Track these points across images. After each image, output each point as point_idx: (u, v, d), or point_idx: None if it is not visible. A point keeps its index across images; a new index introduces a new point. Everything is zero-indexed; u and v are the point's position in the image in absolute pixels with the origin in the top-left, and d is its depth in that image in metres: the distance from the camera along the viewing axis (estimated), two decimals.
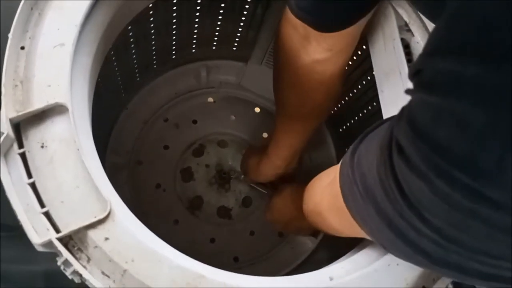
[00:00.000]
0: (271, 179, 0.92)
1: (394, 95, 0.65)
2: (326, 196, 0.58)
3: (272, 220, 0.95)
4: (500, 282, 0.34)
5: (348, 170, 0.46)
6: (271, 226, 0.98)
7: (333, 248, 0.94)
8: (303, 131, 0.79)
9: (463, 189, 0.28)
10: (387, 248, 0.45)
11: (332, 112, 1.03)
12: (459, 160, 0.27)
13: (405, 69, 0.62)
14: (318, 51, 0.62)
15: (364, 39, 0.73)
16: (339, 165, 0.52)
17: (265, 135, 1.09)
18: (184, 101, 1.06)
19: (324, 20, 0.57)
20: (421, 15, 0.64)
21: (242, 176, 1.03)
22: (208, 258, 0.94)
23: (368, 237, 0.49)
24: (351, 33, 0.60)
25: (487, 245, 0.31)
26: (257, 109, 1.11)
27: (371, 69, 0.72)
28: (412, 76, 0.32)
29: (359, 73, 0.86)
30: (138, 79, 0.96)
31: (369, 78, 0.83)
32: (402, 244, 0.38)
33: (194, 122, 1.06)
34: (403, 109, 0.34)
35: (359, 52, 0.82)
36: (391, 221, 0.37)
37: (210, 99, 1.08)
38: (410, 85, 0.60)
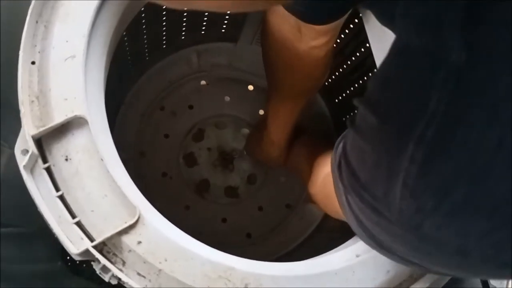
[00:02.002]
0: (277, 158, 0.94)
1: None
2: (326, 184, 0.63)
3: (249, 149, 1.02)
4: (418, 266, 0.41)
5: (334, 158, 0.50)
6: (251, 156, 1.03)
7: None
8: (299, 106, 0.82)
9: (370, 206, 0.35)
10: (356, 232, 0.49)
11: (326, 84, 1.05)
12: (364, 184, 0.35)
13: None
14: (313, 38, 0.63)
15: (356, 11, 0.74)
16: None
17: (261, 112, 1.10)
18: (178, 88, 1.07)
19: (316, 14, 0.58)
20: None
21: (245, 152, 1.06)
22: (222, 237, 0.99)
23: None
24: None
25: (394, 247, 0.39)
26: (251, 87, 1.12)
27: (365, 39, 0.73)
28: None
29: (354, 44, 0.87)
30: (132, 72, 0.97)
31: (362, 50, 0.85)
32: (361, 231, 0.44)
33: (190, 107, 1.07)
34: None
35: (351, 26, 0.83)
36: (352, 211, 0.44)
37: (203, 82, 1.09)
38: None
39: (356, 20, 0.81)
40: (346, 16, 0.63)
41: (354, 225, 0.45)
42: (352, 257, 0.53)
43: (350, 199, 0.40)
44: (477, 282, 0.69)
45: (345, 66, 0.95)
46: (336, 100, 1.05)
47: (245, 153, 1.06)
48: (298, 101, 0.80)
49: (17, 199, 0.57)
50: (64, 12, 0.53)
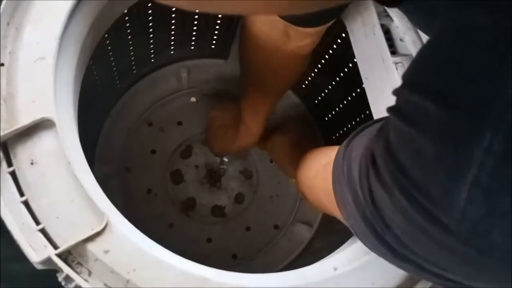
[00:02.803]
0: (253, 145, 0.94)
1: (378, 81, 0.65)
2: (320, 176, 0.61)
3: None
4: (452, 282, 0.36)
5: (340, 158, 0.49)
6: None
7: (330, 235, 0.95)
8: (278, 99, 0.84)
9: (420, 208, 0.30)
10: (358, 235, 0.47)
11: (316, 102, 1.04)
12: (416, 183, 0.30)
13: (387, 54, 0.63)
14: (300, 39, 0.64)
15: (344, 27, 0.73)
16: (337, 147, 0.55)
17: None
18: (166, 103, 1.05)
19: (311, 19, 0.58)
20: None
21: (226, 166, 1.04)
22: (206, 258, 0.94)
23: (344, 222, 0.51)
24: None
25: (435, 258, 0.34)
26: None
27: (352, 56, 0.72)
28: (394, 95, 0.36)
29: (341, 61, 0.86)
30: (118, 85, 0.95)
31: (350, 65, 0.84)
32: (371, 235, 0.41)
33: (179, 123, 1.06)
34: (385, 124, 0.37)
35: (339, 41, 0.83)
36: (364, 213, 0.40)
37: (193, 99, 1.08)
38: (393, 70, 0.62)
39: (344, 35, 0.81)
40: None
41: (360, 226, 0.42)
42: (330, 270, 0.51)
43: (386, 196, 0.34)
44: None
45: (334, 83, 0.94)
46: (326, 118, 1.04)
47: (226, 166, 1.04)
48: (278, 95, 0.82)
49: None
50: (36, 14, 0.52)
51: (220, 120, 0.97)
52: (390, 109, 0.34)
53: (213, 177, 1.03)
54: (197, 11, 0.63)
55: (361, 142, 0.45)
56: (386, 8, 0.64)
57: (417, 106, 0.30)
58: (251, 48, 0.70)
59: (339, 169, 0.48)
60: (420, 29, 0.44)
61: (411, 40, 0.63)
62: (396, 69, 0.62)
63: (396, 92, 0.34)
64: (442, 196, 0.28)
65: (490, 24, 0.26)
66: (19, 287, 0.65)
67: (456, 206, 0.27)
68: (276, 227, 1.03)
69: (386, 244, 0.39)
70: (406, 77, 0.33)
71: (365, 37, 0.67)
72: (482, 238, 0.27)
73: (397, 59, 0.62)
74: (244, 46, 0.72)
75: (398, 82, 0.61)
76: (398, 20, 0.64)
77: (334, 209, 0.53)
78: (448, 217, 0.29)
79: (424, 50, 0.32)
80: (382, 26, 0.64)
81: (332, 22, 0.65)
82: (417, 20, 0.46)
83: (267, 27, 0.64)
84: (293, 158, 0.81)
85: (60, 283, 0.65)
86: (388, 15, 0.65)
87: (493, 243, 0.27)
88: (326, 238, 0.98)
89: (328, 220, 1.01)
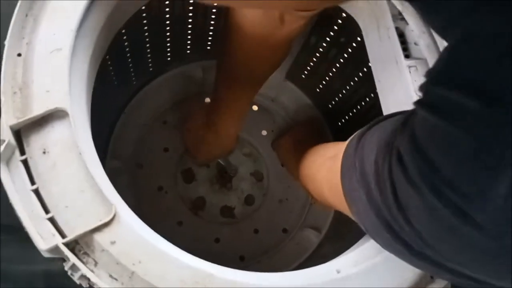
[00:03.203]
0: (222, 152, 0.96)
1: (391, 84, 0.65)
2: (325, 168, 0.60)
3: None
4: (473, 281, 0.36)
5: (352, 152, 0.48)
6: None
7: (338, 242, 0.94)
8: (256, 93, 0.84)
9: (452, 207, 0.29)
10: (368, 231, 0.46)
11: (330, 106, 1.03)
12: (448, 180, 0.29)
13: (401, 58, 0.63)
14: (294, 21, 0.63)
15: (358, 30, 0.73)
16: (345, 142, 0.55)
17: (264, 132, 1.09)
18: (181, 102, 1.06)
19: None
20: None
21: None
22: (213, 258, 0.94)
23: (351, 216, 0.50)
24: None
25: (463, 257, 0.33)
26: (255, 107, 1.11)
27: (366, 61, 0.72)
28: (421, 91, 0.34)
29: (354, 65, 0.86)
30: (134, 82, 0.96)
31: (365, 70, 0.83)
32: (385, 231, 0.40)
33: None
34: (409, 119, 0.36)
35: (354, 44, 0.82)
36: (379, 209, 0.39)
37: (208, 100, 1.08)
38: (406, 74, 0.61)
39: (359, 38, 0.80)
40: None
41: (373, 222, 0.41)
42: (333, 272, 0.50)
43: (414, 194, 0.33)
44: None
45: (348, 87, 0.94)
46: (339, 123, 1.03)
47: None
48: (257, 88, 0.82)
49: None
50: (54, 7, 0.53)
51: (194, 130, 0.98)
52: (419, 104, 0.33)
53: (224, 177, 1.03)
54: (239, 7, 0.62)
55: (375, 137, 0.44)
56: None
57: (456, 102, 0.29)
58: (240, 40, 0.69)
59: (350, 163, 0.48)
60: (434, 29, 0.43)
61: (425, 44, 0.63)
62: (410, 72, 0.62)
63: (425, 87, 0.33)
64: (477, 193, 0.28)
65: None
66: (19, 287, 0.66)
67: (494, 203, 0.27)
68: (284, 230, 1.03)
69: (402, 242, 0.38)
70: (439, 73, 0.32)
71: (380, 40, 0.67)
72: None
73: (410, 62, 0.62)
74: (232, 40, 0.71)
75: (411, 85, 0.61)
76: (413, 23, 0.64)
77: (338, 203, 0.53)
78: (483, 215, 0.28)
79: (459, 45, 0.31)
80: (397, 29, 0.64)
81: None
82: (434, 17, 0.44)
83: (260, 15, 0.63)
84: (298, 160, 0.81)
85: (60, 283, 0.66)
86: (403, 18, 0.65)
87: None
88: (333, 244, 0.98)
89: (336, 227, 1.00)
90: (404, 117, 0.38)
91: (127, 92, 0.97)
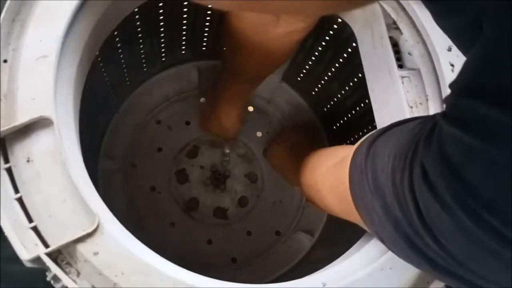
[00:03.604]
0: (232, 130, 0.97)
1: (384, 93, 0.64)
2: (330, 177, 0.58)
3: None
4: None
5: (361, 160, 0.46)
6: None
7: (331, 246, 0.94)
8: (255, 87, 0.86)
9: (490, 231, 0.28)
10: (385, 242, 0.45)
11: (325, 109, 1.03)
12: (488, 203, 0.27)
13: (394, 68, 0.62)
14: (292, 23, 0.63)
15: (353, 37, 0.72)
16: (348, 147, 0.53)
17: (259, 134, 1.08)
18: (176, 102, 1.05)
19: None
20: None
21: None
22: (205, 259, 0.96)
23: (364, 227, 0.49)
24: None
25: (500, 279, 0.32)
26: (250, 108, 1.10)
27: (361, 67, 0.71)
28: (446, 103, 0.32)
29: (350, 70, 0.85)
30: (128, 82, 0.96)
31: (360, 75, 0.83)
32: (405, 245, 0.38)
33: (187, 123, 1.06)
34: (433, 132, 0.33)
35: (349, 50, 0.82)
36: (398, 223, 0.37)
37: (203, 100, 1.08)
38: (399, 84, 0.60)
39: (354, 44, 0.80)
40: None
41: (390, 235, 0.40)
42: (319, 285, 0.50)
43: (445, 216, 0.31)
44: None
45: (343, 92, 0.93)
46: (334, 127, 1.03)
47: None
48: (257, 83, 0.83)
49: None
50: (41, 12, 0.52)
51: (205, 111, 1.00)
52: (446, 120, 0.31)
53: (218, 178, 1.03)
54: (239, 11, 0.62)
55: (388, 146, 0.42)
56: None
57: (496, 120, 0.26)
58: (237, 28, 0.68)
59: (360, 173, 0.46)
60: (448, 32, 0.41)
61: (419, 54, 0.62)
62: (403, 83, 0.61)
63: (451, 100, 0.31)
64: None
65: None
66: (19, 287, 0.66)
67: None
68: (277, 233, 1.03)
69: (426, 258, 0.36)
70: (470, 84, 0.30)
71: (373, 49, 0.66)
72: None
73: (403, 73, 0.61)
74: (229, 26, 0.70)
75: (403, 96, 0.61)
76: (407, 33, 0.63)
77: (347, 213, 0.51)
78: None
79: (493, 50, 0.28)
80: (391, 38, 0.63)
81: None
82: (447, 23, 0.41)
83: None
84: (293, 166, 0.80)
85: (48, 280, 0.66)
86: (397, 28, 0.64)
87: None
88: (326, 248, 0.98)
89: (329, 231, 1.00)
90: (426, 128, 0.36)
91: (121, 93, 0.97)
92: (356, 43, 0.72)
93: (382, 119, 0.65)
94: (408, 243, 0.38)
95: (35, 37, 0.51)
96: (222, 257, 0.98)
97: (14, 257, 0.67)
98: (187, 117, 1.06)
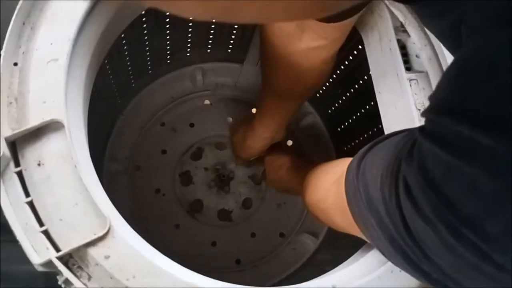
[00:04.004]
0: (258, 152, 0.94)
1: (391, 96, 0.64)
2: (331, 195, 0.58)
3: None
4: None
5: (353, 177, 0.47)
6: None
7: (335, 249, 0.94)
8: (290, 108, 0.82)
9: (470, 246, 0.28)
10: (385, 256, 0.45)
11: (329, 111, 1.03)
12: (467, 219, 0.28)
13: (402, 70, 0.62)
14: (313, 39, 0.62)
15: (360, 40, 0.72)
16: (345, 162, 0.53)
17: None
18: (180, 104, 1.06)
19: None
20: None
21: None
22: (210, 261, 0.96)
23: (368, 241, 0.49)
24: (347, 23, 0.61)
25: None
26: (254, 110, 1.10)
27: (368, 70, 0.71)
28: (424, 117, 0.33)
29: (355, 74, 0.86)
30: (133, 84, 0.96)
31: (366, 78, 0.83)
32: (401, 258, 0.39)
33: (191, 125, 1.06)
34: (414, 148, 0.34)
35: (355, 52, 0.82)
36: (393, 238, 0.38)
37: (207, 102, 1.08)
38: (407, 87, 0.60)
39: (360, 47, 0.80)
40: (351, 24, 0.62)
41: (388, 250, 0.40)
42: (329, 286, 0.50)
43: (429, 231, 0.32)
44: None
45: (348, 94, 0.93)
46: (339, 129, 1.03)
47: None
48: (290, 103, 0.81)
49: None
50: (51, 15, 0.52)
51: (240, 122, 0.98)
52: (424, 136, 0.31)
53: (222, 180, 1.03)
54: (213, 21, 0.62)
55: (376, 162, 0.43)
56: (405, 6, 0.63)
57: (471, 139, 0.27)
58: (266, 46, 0.68)
59: (354, 190, 0.46)
60: (435, 33, 0.41)
61: (427, 56, 0.62)
62: (410, 86, 0.61)
63: (429, 114, 0.31)
64: (499, 235, 0.26)
65: None
66: (19, 287, 0.66)
67: None
68: (281, 235, 1.03)
69: (420, 271, 0.37)
70: (445, 101, 0.30)
71: (381, 52, 0.66)
72: None
73: (411, 75, 0.61)
74: (260, 44, 0.71)
75: (411, 99, 0.60)
76: (415, 36, 0.63)
77: (351, 227, 0.52)
78: (505, 256, 0.27)
79: (468, 66, 0.29)
80: (399, 41, 0.63)
81: (345, 28, 0.62)
82: (433, 25, 0.42)
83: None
84: (289, 182, 0.82)
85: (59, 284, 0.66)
86: (405, 30, 0.64)
87: None
88: (330, 250, 0.98)
89: (334, 233, 1.00)
90: (408, 143, 0.36)
91: (126, 95, 0.97)
92: (363, 46, 0.72)
93: (389, 121, 0.65)
94: (404, 258, 0.38)
95: (45, 40, 0.51)
96: (227, 259, 0.98)
97: (14, 257, 0.67)
98: (191, 119, 1.06)
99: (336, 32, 0.62)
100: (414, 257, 0.36)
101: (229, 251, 0.99)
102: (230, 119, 1.08)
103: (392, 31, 0.64)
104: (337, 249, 0.93)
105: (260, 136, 0.88)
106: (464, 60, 0.29)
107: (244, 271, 0.97)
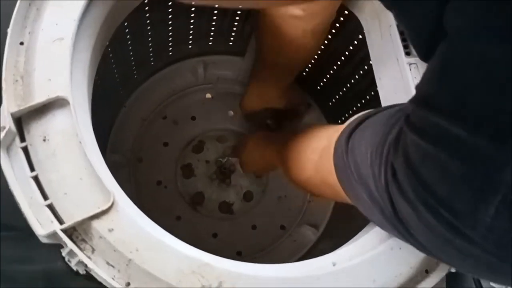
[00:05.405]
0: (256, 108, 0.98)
1: (391, 82, 0.65)
2: (319, 171, 0.61)
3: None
4: None
5: (342, 153, 0.50)
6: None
7: (335, 239, 0.94)
8: (278, 81, 0.89)
9: (444, 222, 0.32)
10: (377, 225, 0.50)
11: (330, 104, 1.04)
12: (442, 200, 0.32)
13: (402, 55, 0.63)
14: (293, 8, 0.67)
15: (360, 29, 0.73)
16: (325, 133, 0.58)
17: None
18: (182, 97, 1.06)
19: None
20: None
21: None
22: (210, 253, 0.95)
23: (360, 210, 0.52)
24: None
25: (458, 263, 0.38)
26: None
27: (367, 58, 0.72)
28: (411, 107, 0.37)
29: (355, 63, 0.87)
30: (135, 76, 0.97)
31: (366, 67, 0.84)
32: (392, 229, 0.43)
33: (193, 118, 1.06)
34: (400, 135, 0.38)
35: (356, 42, 0.83)
36: (383, 210, 0.41)
37: (208, 95, 1.09)
38: (407, 71, 0.62)
39: (360, 36, 0.81)
40: (326, 5, 0.67)
41: (379, 220, 0.45)
42: (329, 265, 0.51)
43: (410, 211, 0.36)
44: None
45: (348, 85, 0.94)
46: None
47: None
48: (277, 74, 0.87)
49: None
50: None
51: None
52: (408, 126, 0.35)
53: (223, 173, 1.04)
54: (216, 6, 0.64)
55: (364, 138, 0.46)
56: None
57: (444, 129, 0.31)
58: (262, 24, 0.73)
59: (343, 165, 0.49)
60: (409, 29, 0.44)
61: None
62: (410, 70, 0.62)
63: (412, 106, 0.35)
64: (468, 213, 0.30)
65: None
66: (19, 287, 0.66)
67: (483, 222, 0.29)
68: (282, 227, 1.03)
69: (411, 244, 0.41)
70: (426, 96, 0.34)
71: (381, 38, 0.67)
72: (505, 248, 0.30)
73: (411, 60, 0.62)
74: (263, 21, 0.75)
75: (411, 82, 0.61)
76: None
77: (342, 198, 0.55)
78: (474, 231, 0.30)
79: (445, 72, 0.32)
80: (398, 27, 0.64)
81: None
82: (411, 25, 0.45)
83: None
84: (264, 158, 0.88)
85: (60, 283, 0.67)
86: None
87: None
88: (331, 241, 0.98)
89: (334, 224, 1.00)
90: (396, 126, 0.39)
91: (128, 87, 0.98)
92: (363, 35, 0.73)
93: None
94: (393, 230, 0.42)
95: (51, 20, 0.52)
96: (228, 251, 0.99)
97: (14, 257, 0.68)
98: (193, 112, 1.06)
99: (314, 6, 0.66)
100: (401, 232, 0.41)
101: (230, 243, 1.00)
102: (232, 113, 1.09)
103: (391, 17, 0.65)
104: (337, 239, 0.93)
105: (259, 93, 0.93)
106: (443, 59, 0.33)
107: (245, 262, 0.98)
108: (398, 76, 0.63)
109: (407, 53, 0.63)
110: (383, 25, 0.66)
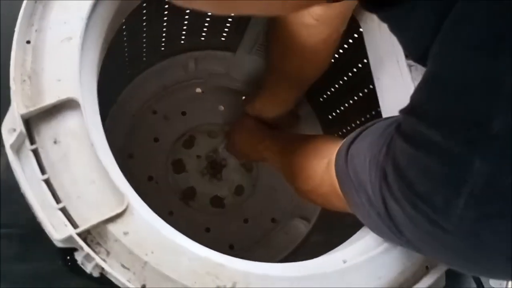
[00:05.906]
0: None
1: (390, 81, 0.66)
2: (325, 181, 0.62)
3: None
4: None
5: (343, 163, 0.54)
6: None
7: (327, 231, 0.96)
8: (287, 93, 0.89)
9: (425, 216, 0.36)
10: (374, 231, 0.53)
11: (321, 99, 1.05)
12: (422, 196, 0.36)
13: (402, 57, 0.64)
14: (305, 17, 0.68)
15: (357, 27, 0.74)
16: (329, 144, 0.61)
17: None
18: (172, 92, 1.06)
19: None
20: None
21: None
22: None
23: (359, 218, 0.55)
24: (338, 7, 0.67)
25: (442, 256, 0.42)
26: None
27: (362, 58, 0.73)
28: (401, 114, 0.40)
29: (351, 62, 0.88)
30: (128, 72, 0.95)
31: (360, 66, 0.85)
32: (387, 230, 0.46)
33: (183, 113, 1.06)
34: (391, 142, 0.42)
35: (350, 41, 0.84)
36: (379, 212, 0.45)
37: (199, 90, 1.08)
38: (407, 73, 0.63)
39: (356, 35, 0.82)
40: (342, 11, 0.68)
41: (377, 224, 0.47)
42: (340, 262, 0.52)
43: (398, 208, 0.40)
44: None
45: (341, 82, 0.95)
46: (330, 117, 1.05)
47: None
48: (286, 86, 0.87)
49: (17, 199, 0.55)
50: None
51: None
52: (398, 133, 0.40)
53: (214, 168, 1.04)
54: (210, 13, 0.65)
55: (363, 147, 0.50)
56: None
57: (425, 135, 0.35)
58: (280, 29, 0.73)
59: (345, 175, 0.53)
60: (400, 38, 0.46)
61: None
62: (410, 71, 0.63)
63: (403, 114, 0.38)
64: (444, 205, 0.34)
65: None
66: (19, 287, 0.65)
67: (455, 212, 0.33)
68: (273, 220, 1.04)
69: (403, 245, 0.46)
70: (414, 106, 0.37)
71: (380, 38, 0.68)
72: (475, 236, 0.34)
73: (411, 61, 0.63)
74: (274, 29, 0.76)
75: (411, 84, 0.63)
76: None
77: (347, 208, 0.57)
78: (448, 222, 0.34)
79: (431, 82, 0.36)
80: None
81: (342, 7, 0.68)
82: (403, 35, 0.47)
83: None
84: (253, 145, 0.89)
85: (60, 283, 0.66)
86: None
87: (483, 242, 0.34)
88: (322, 233, 1.00)
89: (326, 216, 1.02)
90: (388, 138, 0.43)
91: (120, 82, 0.97)
92: (359, 34, 0.74)
93: (389, 107, 0.67)
94: (388, 229, 0.45)
95: (59, 18, 0.51)
96: (220, 244, 0.98)
97: (14, 257, 0.67)
98: (183, 107, 1.06)
99: (325, 15, 0.67)
100: (393, 232, 0.44)
101: (223, 236, 1.00)
102: (222, 108, 1.09)
103: None
104: (329, 231, 0.95)
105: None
106: (429, 72, 0.36)
107: (237, 256, 0.97)
108: (397, 77, 0.64)
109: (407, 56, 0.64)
110: (382, 25, 0.67)
